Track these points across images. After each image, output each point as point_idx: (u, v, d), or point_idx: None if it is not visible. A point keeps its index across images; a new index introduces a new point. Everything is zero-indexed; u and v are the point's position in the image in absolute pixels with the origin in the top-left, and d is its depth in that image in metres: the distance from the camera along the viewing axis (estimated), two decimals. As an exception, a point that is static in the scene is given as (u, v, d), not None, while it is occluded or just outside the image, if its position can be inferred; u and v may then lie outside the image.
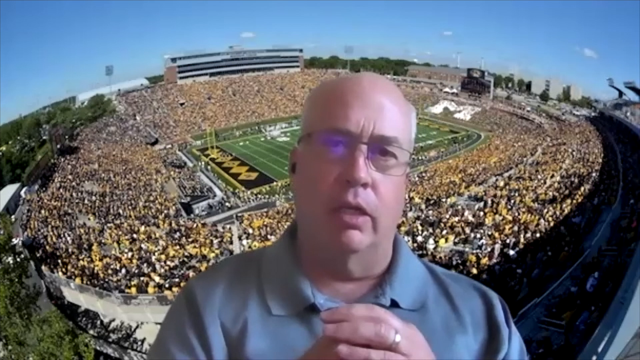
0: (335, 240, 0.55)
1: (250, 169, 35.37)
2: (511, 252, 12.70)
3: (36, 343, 11.03)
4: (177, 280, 13.95)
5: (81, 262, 15.99)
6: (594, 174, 21.28)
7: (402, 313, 0.59)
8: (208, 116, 57.80)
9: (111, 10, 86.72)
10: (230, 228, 21.21)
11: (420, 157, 35.51)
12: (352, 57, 79.55)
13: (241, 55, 71.54)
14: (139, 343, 13.80)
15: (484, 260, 12.65)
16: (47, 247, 17.79)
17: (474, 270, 11.96)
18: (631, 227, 12.32)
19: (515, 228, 14.52)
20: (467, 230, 15.52)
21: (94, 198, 26.13)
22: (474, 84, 63.50)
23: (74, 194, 26.66)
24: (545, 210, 15.85)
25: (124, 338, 14.13)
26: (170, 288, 13.39)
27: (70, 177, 30.87)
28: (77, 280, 14.10)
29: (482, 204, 19.11)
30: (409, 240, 14.99)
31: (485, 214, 17.33)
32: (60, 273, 14.77)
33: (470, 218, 17.11)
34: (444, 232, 15.83)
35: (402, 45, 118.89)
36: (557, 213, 15.52)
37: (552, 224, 14.61)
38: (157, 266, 15.50)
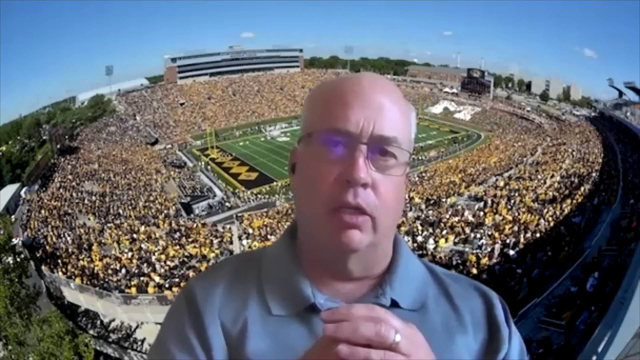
0: (335, 239, 0.55)
1: (250, 169, 35.38)
2: (511, 252, 12.70)
3: (36, 343, 11.02)
4: (177, 280, 13.95)
5: (81, 262, 16.00)
6: (594, 174, 21.28)
7: (402, 313, 0.59)
8: (208, 116, 57.81)
9: (111, 10, 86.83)
10: (230, 228, 21.21)
11: (420, 157, 35.51)
12: (352, 57, 79.73)
13: (241, 55, 71.54)
14: (139, 343, 13.80)
15: (484, 260, 12.65)
16: (47, 247, 17.79)
17: (474, 270, 11.96)
18: (631, 227, 12.32)
19: (515, 228, 14.52)
20: (467, 230, 15.52)
21: (94, 198, 26.13)
22: (474, 84, 63.51)
23: (74, 194, 26.66)
24: (545, 210, 15.85)
25: (124, 338, 14.13)
26: (170, 288, 13.39)
27: (70, 177, 30.87)
28: (77, 280, 14.10)
29: (482, 204, 19.11)
30: (409, 240, 14.99)
31: (485, 214, 17.33)
32: (60, 273, 14.77)
33: (470, 218, 17.11)
34: (444, 232, 15.83)
35: (402, 45, 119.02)
36: (557, 213, 15.52)
37: (552, 224, 14.61)
38: (157, 266, 15.51)
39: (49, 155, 37.94)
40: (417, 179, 29.24)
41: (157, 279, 14.28)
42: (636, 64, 50.27)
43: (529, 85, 69.68)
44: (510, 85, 71.61)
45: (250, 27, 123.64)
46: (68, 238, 19.09)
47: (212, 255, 16.47)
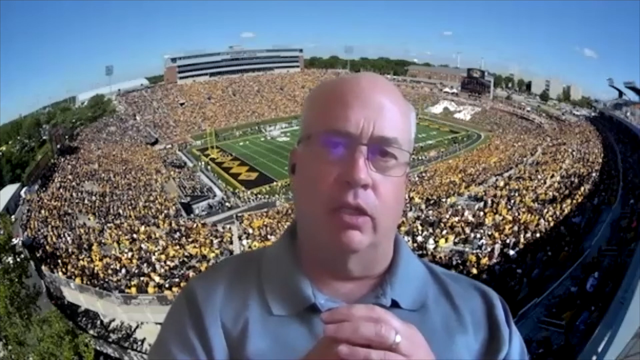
0: (335, 240, 0.55)
1: (250, 169, 35.37)
2: (511, 252, 12.70)
3: (36, 343, 11.03)
4: (177, 280, 13.95)
5: (81, 262, 15.99)
6: (594, 174, 21.28)
7: (403, 313, 0.59)
8: (208, 116, 57.80)
9: (111, 10, 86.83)
10: (230, 228, 21.21)
11: (420, 157, 35.51)
12: (352, 57, 79.68)
13: (241, 55, 71.53)
14: (139, 343, 13.80)
15: (484, 260, 12.65)
16: (47, 247, 17.79)
17: (474, 270, 11.96)
18: (631, 227, 12.32)
19: (515, 228, 14.52)
20: (467, 230, 15.52)
21: (94, 198, 26.13)
22: (474, 84, 63.50)
23: (74, 194, 26.66)
24: (545, 210, 15.85)
25: (124, 338, 14.13)
26: (170, 288, 13.39)
27: (70, 177, 30.87)
28: (77, 280, 14.10)
29: (482, 204, 19.11)
30: (409, 240, 14.99)
31: (485, 214, 17.33)
32: (60, 273, 14.77)
33: (470, 218, 17.11)
34: (444, 232, 15.83)
35: (402, 45, 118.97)
36: (557, 213, 15.52)
37: (552, 224, 14.61)
38: (157, 266, 15.50)
39: (49, 155, 37.93)
40: (417, 179, 29.24)
41: (157, 279, 14.28)
42: (636, 64, 50.31)
43: (529, 85, 69.67)
44: (510, 85, 71.61)
45: (250, 27, 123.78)
46: (68, 238, 19.08)
47: (212, 255, 16.47)
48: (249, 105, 62.47)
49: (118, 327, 14.30)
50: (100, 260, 16.26)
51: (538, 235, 13.66)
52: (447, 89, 67.40)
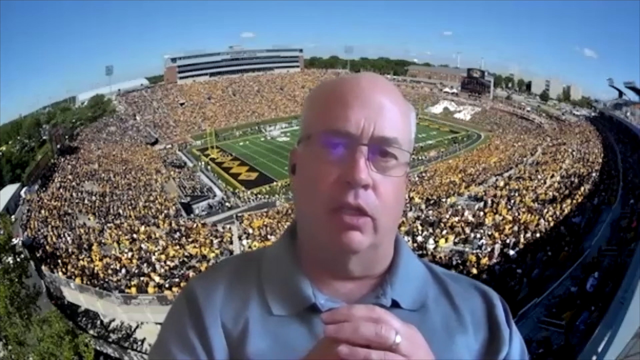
0: (336, 240, 0.55)
1: (250, 169, 35.37)
2: (511, 252, 12.70)
3: (36, 343, 11.02)
4: (177, 280, 13.95)
5: (81, 262, 15.99)
6: (594, 174, 21.28)
7: (403, 313, 0.60)
8: (208, 116, 57.80)
9: (111, 10, 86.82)
10: (230, 228, 21.21)
11: (420, 157, 35.51)
12: (352, 57, 79.69)
13: (241, 55, 71.53)
14: (139, 343, 13.80)
15: (484, 260, 12.65)
16: (47, 247, 17.79)
17: (474, 270, 11.96)
18: (631, 227, 12.31)
19: (515, 228, 14.52)
20: (467, 230, 15.52)
21: (94, 198, 26.13)
22: (474, 84, 63.50)
23: (74, 194, 26.66)
24: (545, 210, 15.85)
25: (124, 338, 14.13)
26: (170, 288, 13.39)
27: (70, 177, 30.87)
28: (77, 280, 14.10)
29: (482, 204, 19.11)
30: (409, 240, 14.99)
31: (485, 214, 17.33)
32: (60, 273, 14.77)
33: (470, 218, 17.11)
34: (444, 232, 15.83)
35: (402, 45, 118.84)
36: (557, 213, 15.51)
37: (552, 224, 14.61)
38: (157, 266, 15.50)
39: (49, 155, 37.93)
40: (417, 179, 29.24)
41: (157, 279, 14.28)
42: (636, 64, 50.30)
43: (529, 85, 69.67)
44: (510, 85, 71.60)
45: (250, 27, 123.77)
46: (68, 238, 19.08)
47: (212, 255, 16.47)
48: (249, 105, 62.47)
49: (118, 327, 14.30)
50: (100, 260, 16.26)
51: (538, 235, 13.66)
52: (447, 89, 67.39)
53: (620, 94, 48.84)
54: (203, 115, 57.90)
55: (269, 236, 18.19)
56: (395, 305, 0.60)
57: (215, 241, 18.72)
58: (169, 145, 46.28)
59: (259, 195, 29.30)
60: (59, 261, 16.12)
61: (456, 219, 17.18)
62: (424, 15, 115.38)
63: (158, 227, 21.58)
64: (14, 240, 15.54)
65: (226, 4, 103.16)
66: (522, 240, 13.44)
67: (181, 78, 65.62)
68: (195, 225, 22.22)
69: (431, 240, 14.94)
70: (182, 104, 60.34)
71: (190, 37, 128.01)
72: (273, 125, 52.42)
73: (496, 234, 14.52)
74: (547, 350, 7.57)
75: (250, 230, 19.84)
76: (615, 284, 8.53)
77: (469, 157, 35.98)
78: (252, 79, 69.89)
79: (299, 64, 76.62)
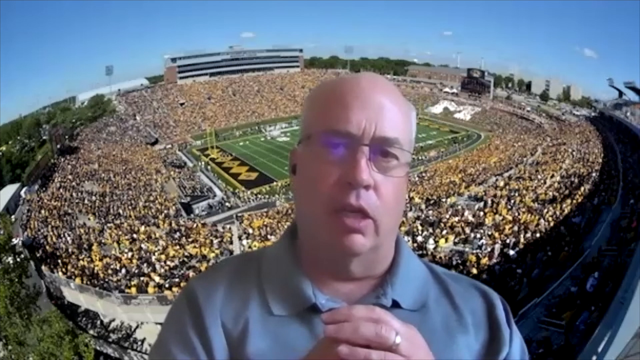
0: (337, 242, 0.55)
1: (250, 169, 35.38)
2: (511, 252, 12.70)
3: (36, 343, 11.03)
4: (177, 280, 13.95)
5: (81, 262, 15.99)
6: (594, 174, 21.28)
7: (403, 313, 0.60)
8: (208, 116, 57.81)
9: (111, 10, 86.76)
10: (230, 228, 21.21)
11: (420, 157, 35.50)
12: (352, 57, 79.66)
13: (241, 55, 71.53)
14: (139, 343, 13.80)
15: (484, 260, 12.65)
16: (47, 247, 17.79)
17: (474, 270, 11.96)
18: (631, 227, 12.32)
19: (515, 228, 14.52)
20: (467, 230, 15.52)
21: (94, 198, 26.13)
22: (474, 84, 63.50)
23: (74, 194, 26.66)
24: (545, 210, 15.85)
25: (124, 338, 14.13)
26: (170, 288, 13.39)
27: (70, 177, 30.87)
28: (77, 280, 14.10)
29: (482, 204, 19.11)
30: (409, 240, 14.99)
31: (485, 214, 17.33)
32: (60, 273, 14.77)
33: (470, 218, 17.11)
34: (444, 232, 15.83)
35: (402, 45, 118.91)
36: (557, 213, 15.52)
37: (552, 224, 14.61)
38: (157, 266, 15.50)
39: (49, 155, 37.93)
40: (417, 179, 29.24)
41: (157, 279, 14.28)
42: (636, 64, 50.28)
43: (529, 85, 69.66)
44: (510, 85, 71.60)
45: (250, 27, 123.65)
46: (68, 238, 19.08)
47: (212, 255, 16.47)
48: (249, 105, 62.47)
49: (118, 327, 14.30)
50: (100, 260, 16.26)
51: (538, 235, 13.66)
52: (447, 89, 67.39)
53: (620, 94, 48.86)
54: (203, 115, 57.90)
55: (269, 236, 18.19)
56: (395, 305, 0.60)
57: (215, 241, 18.72)
58: (169, 145, 46.28)
59: (259, 195, 29.30)
60: (59, 261, 16.12)
61: (456, 219, 17.18)
62: (424, 15, 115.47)
63: (158, 227, 21.58)
64: (14, 240, 15.54)
65: (226, 4, 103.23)
66: (522, 240, 13.44)
67: (181, 78, 65.62)
68: (195, 225, 22.22)
69: (431, 240, 14.94)
70: (182, 104, 60.34)
71: (190, 37, 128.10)
72: (273, 125, 52.42)
73: (496, 234, 14.52)
74: (547, 350, 7.57)
75: (250, 230, 19.84)
76: (615, 284, 8.53)
77: (469, 157, 35.98)
78: (252, 79, 69.89)
79: (299, 64, 76.61)
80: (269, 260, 0.65)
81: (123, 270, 15.10)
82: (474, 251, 13.68)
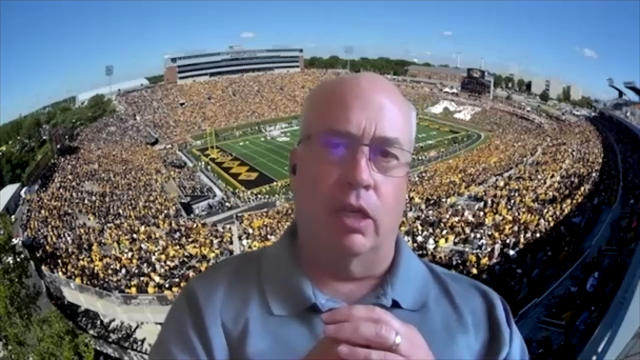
0: (337, 243, 0.55)
1: (250, 169, 35.38)
2: (511, 252, 12.70)
3: (36, 343, 11.03)
4: (177, 280, 13.95)
5: (81, 262, 15.99)
6: (594, 174, 21.28)
7: (403, 313, 0.60)
8: (208, 116, 57.81)
9: (111, 10, 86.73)
10: (230, 228, 21.21)
11: (420, 157, 35.50)
12: (352, 57, 79.65)
13: (241, 55, 71.53)
14: (139, 343, 13.80)
15: (484, 260, 12.65)
16: (47, 247, 17.79)
17: (474, 270, 11.96)
18: (631, 227, 12.32)
19: (515, 228, 14.52)
20: (467, 230, 15.52)
21: (94, 198, 26.13)
22: (474, 84, 63.50)
23: (74, 194, 26.66)
24: (545, 210, 15.85)
25: (124, 338, 14.14)
26: (170, 288, 13.39)
27: (70, 177, 30.87)
28: (77, 280, 14.10)
29: (482, 204, 19.11)
30: (409, 240, 14.99)
31: (485, 214, 17.33)
32: (60, 273, 14.77)
33: (470, 218, 17.11)
34: (444, 232, 15.83)
35: (402, 45, 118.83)
36: (557, 213, 15.52)
37: (552, 224, 14.61)
38: (157, 266, 15.50)
39: (49, 155, 37.93)
40: (417, 179, 29.24)
41: (157, 279, 14.28)
42: (636, 64, 50.27)
43: (529, 85, 69.66)
44: (510, 85, 71.59)
45: (250, 27, 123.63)
46: (68, 238, 19.08)
47: (212, 255, 16.47)
48: (249, 105, 62.48)
49: (118, 327, 14.30)
50: (100, 260, 16.26)
51: (538, 235, 13.66)
52: (447, 89, 67.39)
53: (620, 94, 48.86)
54: (203, 115, 57.90)
55: (269, 236, 18.19)
56: (395, 305, 0.60)
57: (215, 241, 18.72)
58: (169, 145, 46.28)
59: (259, 195, 29.30)
60: (59, 261, 16.12)
61: (456, 219, 17.18)
62: (424, 15, 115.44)
63: (158, 227, 21.58)
64: (14, 240, 15.54)
65: (226, 4, 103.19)
66: (522, 240, 13.44)
67: (181, 78, 65.62)
68: (195, 225, 22.22)
69: (431, 240, 14.94)
70: (182, 104, 60.34)
71: (190, 37, 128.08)
72: (273, 125, 52.41)
73: (496, 234, 14.52)
74: (547, 350, 7.57)
75: (250, 230, 19.84)
76: (615, 284, 8.53)
77: (469, 157, 35.98)
78: (252, 79, 69.89)
79: (299, 64, 76.61)
80: (269, 260, 0.65)
81: (123, 270, 15.10)
82: (474, 251, 13.68)
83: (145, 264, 15.69)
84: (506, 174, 25.73)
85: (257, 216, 23.21)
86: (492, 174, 26.41)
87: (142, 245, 17.97)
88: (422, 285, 0.64)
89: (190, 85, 65.24)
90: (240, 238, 18.96)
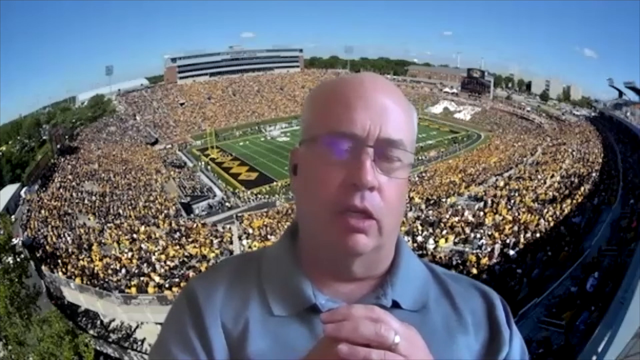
0: (341, 243, 0.55)
1: (250, 169, 35.38)
2: (511, 252, 12.70)
3: (36, 343, 11.03)
4: (177, 280, 13.95)
5: (81, 262, 15.99)
6: (594, 174, 21.28)
7: (403, 314, 0.60)
8: (208, 116, 57.81)
9: (111, 10, 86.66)
10: (230, 228, 21.21)
11: (420, 157, 35.48)
12: (352, 57, 79.62)
13: (241, 55, 71.52)
14: (139, 343, 13.80)
15: (484, 260, 12.65)
16: (47, 247, 17.79)
17: (474, 270, 11.96)
18: (631, 227, 12.32)
19: (515, 228, 14.51)
20: (467, 230, 15.52)
21: (94, 198, 26.13)
22: (474, 84, 63.49)
23: (74, 194, 26.66)
24: (545, 210, 15.85)
25: (124, 338, 14.13)
26: (170, 288, 13.39)
27: (70, 177, 30.87)
28: (77, 280, 14.10)
29: (482, 204, 19.11)
30: (409, 240, 14.99)
31: (485, 214, 17.33)
32: (60, 273, 14.77)
33: (470, 218, 17.11)
34: (444, 232, 15.83)
35: (402, 45, 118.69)
36: (557, 213, 15.51)
37: (552, 224, 14.61)
38: (157, 266, 15.50)
39: (49, 155, 37.93)
40: (417, 179, 29.24)
41: (157, 279, 14.28)
42: (636, 64, 50.26)
43: (529, 85, 69.65)
44: (510, 85, 71.58)
45: (250, 27, 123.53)
46: (68, 238, 19.08)
47: (212, 255, 16.47)
48: (249, 105, 62.47)
49: (118, 327, 14.30)
50: (100, 260, 16.26)
51: (538, 235, 13.66)
52: (447, 89, 67.38)
53: (620, 94, 48.86)
54: (203, 115, 57.91)
55: (269, 236, 18.19)
56: (395, 305, 0.60)
57: (215, 241, 18.72)
58: (169, 145, 46.28)
59: (259, 195, 29.30)
60: (59, 261, 16.12)
61: (456, 219, 17.17)
62: (424, 15, 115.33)
63: (158, 227, 21.58)
64: (14, 240, 15.54)
65: (226, 4, 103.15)
66: (522, 240, 13.44)
67: (181, 78, 65.62)
68: (195, 225, 22.22)
69: (431, 240, 14.94)
70: (182, 104, 60.34)
71: (190, 37, 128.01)
72: (273, 125, 52.41)
73: (496, 234, 14.52)
74: (547, 350, 7.57)
75: (250, 230, 19.84)
76: (615, 284, 8.53)
77: (469, 157, 35.98)
78: (252, 79, 69.89)
79: (299, 64, 76.61)
80: (269, 260, 0.65)
81: (123, 270, 15.10)
82: (474, 251, 13.68)
83: (145, 264, 15.69)
84: (506, 174, 25.73)
85: (257, 216, 23.21)
86: (492, 174, 26.41)
87: (142, 245, 17.97)
88: (422, 285, 0.64)
89: (190, 85, 65.24)
90: (240, 238, 18.96)
